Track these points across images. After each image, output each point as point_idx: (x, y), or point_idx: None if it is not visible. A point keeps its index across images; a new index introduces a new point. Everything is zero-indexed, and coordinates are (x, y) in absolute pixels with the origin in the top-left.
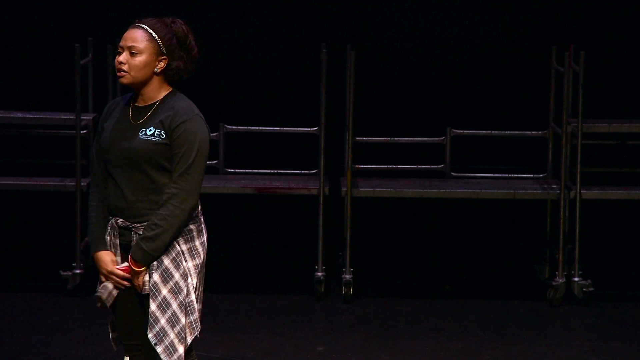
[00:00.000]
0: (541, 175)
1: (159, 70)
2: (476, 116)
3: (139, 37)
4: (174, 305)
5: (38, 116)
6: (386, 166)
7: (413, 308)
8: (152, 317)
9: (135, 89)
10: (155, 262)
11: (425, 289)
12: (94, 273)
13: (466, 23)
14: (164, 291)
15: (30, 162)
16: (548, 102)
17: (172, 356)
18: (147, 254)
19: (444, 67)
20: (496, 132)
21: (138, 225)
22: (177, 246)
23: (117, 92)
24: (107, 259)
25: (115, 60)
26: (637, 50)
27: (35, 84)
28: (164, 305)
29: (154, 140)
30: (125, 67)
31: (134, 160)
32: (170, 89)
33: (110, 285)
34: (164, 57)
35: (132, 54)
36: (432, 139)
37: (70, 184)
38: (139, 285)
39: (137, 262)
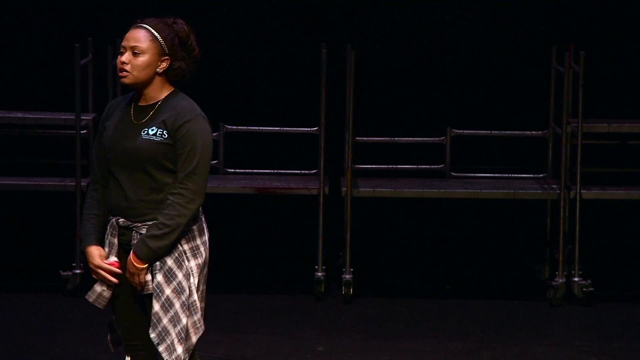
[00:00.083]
0: (541, 175)
1: (161, 70)
2: (476, 116)
3: (141, 37)
4: (177, 305)
5: (38, 116)
6: (386, 166)
7: (413, 308)
8: (155, 318)
9: (137, 89)
10: (158, 263)
11: (425, 289)
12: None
13: (466, 23)
14: (167, 291)
15: (30, 162)
16: (548, 102)
17: (172, 355)
18: (152, 252)
19: (444, 67)
20: (496, 132)
21: (139, 224)
22: (180, 246)
23: (117, 92)
24: (96, 253)
25: (118, 60)
26: (637, 50)
27: (35, 84)
28: (167, 305)
29: (156, 140)
30: (127, 67)
31: (136, 159)
32: (172, 89)
33: (98, 288)
34: (167, 57)
35: (135, 54)
36: (432, 139)
37: (70, 184)
38: (140, 282)
39: (140, 259)
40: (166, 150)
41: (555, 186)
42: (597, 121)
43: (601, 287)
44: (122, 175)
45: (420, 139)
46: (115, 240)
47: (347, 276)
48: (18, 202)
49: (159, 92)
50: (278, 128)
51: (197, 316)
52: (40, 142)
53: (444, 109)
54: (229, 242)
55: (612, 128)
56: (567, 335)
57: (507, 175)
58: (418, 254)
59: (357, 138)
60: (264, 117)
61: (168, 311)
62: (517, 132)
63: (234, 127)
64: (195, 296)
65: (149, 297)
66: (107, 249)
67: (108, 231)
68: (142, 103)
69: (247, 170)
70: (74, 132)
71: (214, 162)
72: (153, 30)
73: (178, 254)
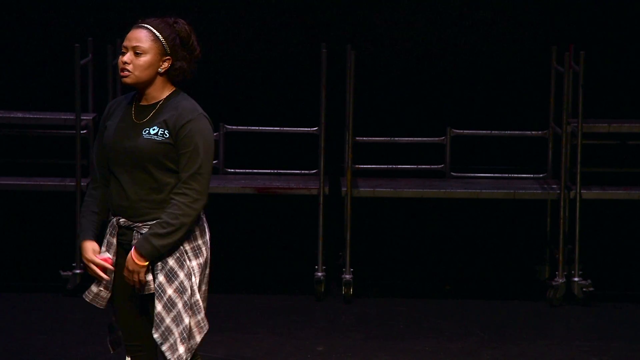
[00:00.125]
0: (541, 175)
1: (162, 70)
2: (476, 116)
3: (143, 37)
4: (179, 305)
5: (38, 116)
6: (386, 166)
7: (413, 308)
8: (158, 318)
9: (139, 88)
10: (159, 263)
11: (425, 289)
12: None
13: (466, 23)
14: (170, 291)
15: (30, 162)
16: (548, 102)
17: (174, 354)
18: (154, 250)
19: (444, 67)
20: (496, 132)
21: (140, 224)
22: (181, 246)
23: (117, 92)
24: (89, 247)
25: (119, 60)
26: (637, 50)
27: (35, 84)
28: (169, 305)
29: (158, 140)
30: (129, 67)
31: (137, 159)
32: (174, 89)
33: (95, 288)
34: (168, 57)
35: (137, 54)
36: (432, 139)
37: (70, 184)
38: (139, 281)
39: (141, 257)
40: (167, 150)
41: (555, 186)
42: (597, 121)
43: (601, 287)
44: (123, 175)
45: (420, 139)
46: (114, 240)
47: (347, 276)
48: (18, 202)
49: (161, 91)
50: (278, 128)
51: (201, 315)
52: (40, 142)
53: (444, 109)
54: (229, 242)
55: (612, 128)
56: (567, 335)
57: (507, 175)
58: (418, 254)
59: (357, 138)
60: (264, 117)
61: (171, 311)
62: (517, 132)
63: (234, 127)
64: (197, 296)
65: (149, 297)
66: (104, 249)
67: (107, 231)
68: (143, 103)
69: (247, 170)
70: (74, 132)
71: (214, 162)
72: (155, 30)
73: (179, 254)
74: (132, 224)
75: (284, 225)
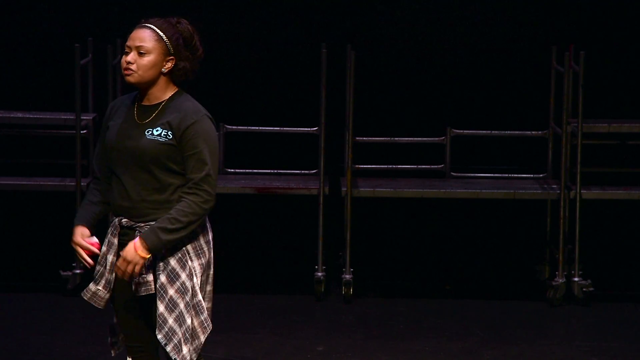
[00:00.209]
0: (541, 175)
1: (166, 70)
2: (476, 116)
3: (147, 37)
4: (181, 305)
5: (38, 116)
6: (386, 166)
7: (413, 308)
8: (160, 318)
9: (142, 88)
10: (161, 263)
11: (425, 289)
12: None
13: (466, 23)
14: (171, 291)
15: (30, 162)
16: (548, 102)
17: (179, 354)
18: (160, 244)
19: (444, 67)
20: (496, 132)
21: (142, 224)
22: (183, 246)
23: (117, 92)
24: (78, 231)
25: (122, 60)
26: (637, 50)
27: (35, 84)
28: (171, 305)
29: (161, 141)
30: (133, 67)
31: (140, 159)
32: (176, 89)
33: (93, 286)
34: (172, 57)
35: (141, 54)
36: (432, 139)
37: (70, 184)
38: (134, 274)
39: (145, 248)
40: (170, 151)
41: (555, 186)
42: (597, 121)
43: (601, 287)
44: (125, 175)
45: (420, 139)
46: (115, 240)
47: (347, 276)
48: (18, 202)
49: (164, 92)
50: (278, 128)
51: (204, 316)
52: (40, 142)
53: (444, 109)
54: (229, 242)
55: (612, 128)
56: (567, 335)
57: (507, 175)
58: (418, 254)
59: (357, 138)
60: (264, 117)
61: (173, 311)
62: (517, 132)
63: (234, 127)
64: (199, 296)
65: (150, 298)
66: (105, 248)
67: (109, 231)
68: (145, 103)
69: (247, 170)
70: (74, 132)
71: None
72: (158, 30)
73: (181, 254)
74: (133, 224)
75: (284, 225)
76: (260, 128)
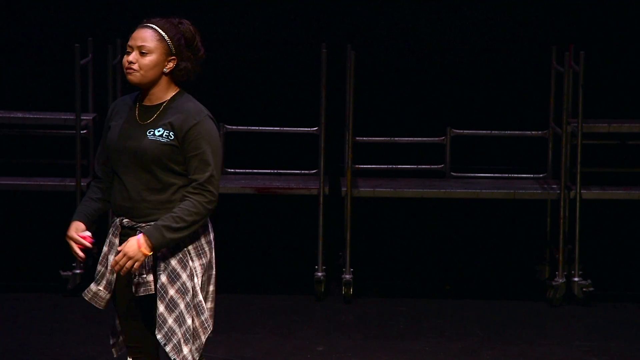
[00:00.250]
0: (541, 175)
1: (167, 70)
2: (476, 116)
3: (148, 36)
4: (181, 306)
5: (38, 116)
6: (386, 166)
7: (413, 308)
8: (160, 319)
9: (143, 88)
10: (162, 263)
11: (425, 289)
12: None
13: (466, 23)
14: (172, 292)
15: (30, 162)
16: (548, 102)
17: (179, 354)
18: (164, 242)
19: (444, 67)
20: (496, 132)
21: (143, 224)
22: (184, 246)
23: (117, 92)
24: (73, 226)
25: (124, 60)
26: (637, 50)
27: (35, 84)
28: (171, 306)
29: (162, 141)
30: (135, 67)
31: (141, 160)
32: (178, 90)
33: (94, 287)
34: (173, 57)
35: (142, 54)
36: (432, 139)
37: (70, 184)
38: (133, 270)
39: (149, 246)
40: (172, 151)
41: (555, 186)
42: (597, 121)
43: (601, 287)
44: (126, 176)
45: (420, 139)
46: (117, 241)
47: (347, 276)
48: (18, 202)
49: (165, 92)
50: (278, 128)
51: (204, 316)
52: (40, 142)
53: (444, 109)
54: (229, 242)
55: (612, 128)
56: (567, 335)
57: (507, 175)
58: (418, 254)
59: (357, 138)
60: (264, 117)
61: (173, 311)
62: (517, 132)
63: (234, 127)
64: (200, 296)
65: (150, 298)
66: (106, 249)
67: (110, 231)
68: (147, 103)
69: (247, 170)
70: (74, 132)
71: None
72: (160, 30)
73: (182, 254)
74: (135, 224)
75: (284, 225)
76: (260, 128)
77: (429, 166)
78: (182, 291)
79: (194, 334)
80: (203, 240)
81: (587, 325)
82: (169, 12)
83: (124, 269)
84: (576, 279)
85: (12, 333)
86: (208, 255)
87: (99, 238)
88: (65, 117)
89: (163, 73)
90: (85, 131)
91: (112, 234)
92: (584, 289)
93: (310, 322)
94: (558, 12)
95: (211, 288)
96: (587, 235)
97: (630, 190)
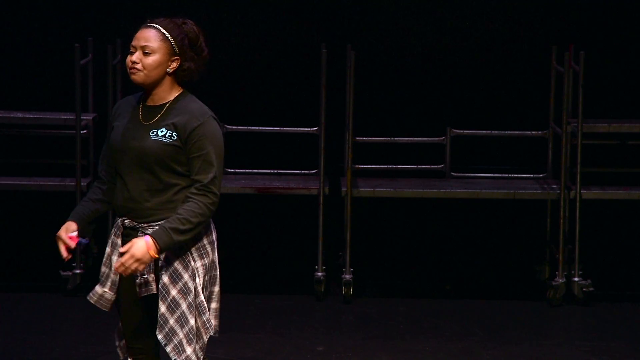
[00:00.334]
0: (541, 175)
1: (171, 70)
2: (476, 116)
3: (152, 36)
4: (183, 306)
5: (38, 116)
6: (386, 166)
7: (413, 308)
8: (161, 319)
9: (147, 88)
10: (164, 264)
11: (425, 289)
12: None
13: (466, 23)
14: (173, 292)
15: (30, 162)
16: (548, 102)
17: (180, 355)
18: (172, 244)
19: (444, 67)
20: (496, 132)
21: (145, 225)
22: (186, 246)
23: (117, 92)
24: (64, 226)
25: (127, 60)
26: (637, 50)
27: (35, 84)
28: (173, 306)
29: (165, 142)
30: (138, 67)
31: (144, 160)
32: (181, 90)
33: (99, 289)
34: (177, 57)
35: (146, 54)
36: (432, 139)
37: (70, 184)
38: (136, 271)
39: (157, 249)
40: (174, 152)
41: (555, 186)
42: (597, 121)
43: (601, 287)
44: (129, 176)
45: (420, 139)
46: (119, 241)
47: (347, 276)
48: (18, 202)
49: (168, 92)
50: (278, 128)
51: (206, 316)
52: (40, 142)
53: (444, 109)
54: (229, 242)
55: (612, 128)
56: (567, 335)
57: (507, 175)
58: (418, 254)
59: (357, 138)
60: (264, 117)
61: (174, 312)
62: (517, 132)
63: (234, 127)
64: (202, 296)
65: (153, 299)
66: (109, 249)
67: (112, 231)
68: (150, 103)
69: (247, 170)
70: (74, 132)
71: None
72: (164, 30)
73: (184, 255)
74: (136, 225)
75: (284, 225)
76: (260, 128)
77: (429, 166)
78: (184, 291)
79: (197, 334)
80: (205, 241)
81: (587, 325)
82: (169, 12)
83: (129, 270)
84: (576, 279)
85: (12, 333)
86: (210, 256)
87: (98, 238)
88: (65, 117)
89: (166, 73)
90: (85, 131)
91: (115, 234)
92: (584, 289)
93: (310, 322)
94: (558, 12)
95: (216, 289)
96: (587, 235)
97: (630, 190)
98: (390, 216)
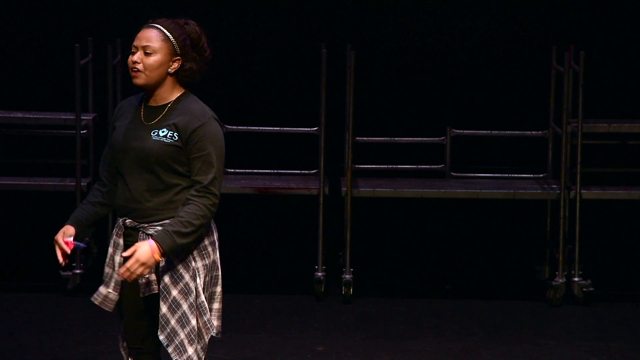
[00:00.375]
0: (541, 175)
1: (172, 70)
2: (476, 116)
3: (153, 36)
4: (184, 306)
5: (38, 116)
6: (386, 166)
7: (413, 308)
8: (163, 319)
9: (148, 89)
10: (165, 264)
11: (425, 289)
12: (94, 273)
13: (466, 23)
14: (174, 292)
15: (30, 162)
16: (548, 102)
17: (182, 356)
18: (175, 248)
19: (444, 67)
20: (496, 132)
21: (146, 225)
22: (187, 247)
23: (117, 92)
24: (62, 230)
25: (129, 60)
26: (637, 50)
27: (35, 84)
28: (174, 307)
29: (166, 142)
30: (139, 67)
31: (145, 160)
32: (183, 91)
33: (104, 290)
34: (178, 57)
35: (147, 54)
36: (432, 139)
37: (70, 184)
38: (139, 274)
39: (162, 252)
40: (175, 152)
41: (555, 186)
42: (597, 121)
43: (601, 287)
44: (130, 176)
45: (420, 139)
46: (121, 241)
47: (347, 276)
48: (18, 202)
49: (170, 93)
50: (278, 128)
51: (207, 316)
52: (40, 142)
53: (444, 109)
54: (229, 242)
55: (612, 128)
56: (567, 335)
57: (507, 175)
58: (418, 254)
59: (357, 138)
60: (264, 117)
61: (175, 312)
62: (517, 132)
63: (234, 127)
64: (202, 297)
65: (155, 299)
66: (112, 250)
67: (114, 231)
68: (152, 104)
69: (247, 170)
70: (74, 132)
71: None
72: (165, 30)
73: (185, 255)
74: (137, 225)
75: (284, 225)
76: (260, 128)
77: (429, 166)
78: (185, 292)
79: (198, 334)
80: (206, 241)
81: (587, 325)
82: (169, 12)
83: (134, 275)
84: (576, 279)
85: (12, 333)
86: (211, 256)
87: (98, 238)
88: (65, 117)
89: (168, 73)
90: (85, 131)
91: (116, 235)
92: (584, 289)
93: (310, 322)
94: (558, 12)
95: (218, 289)
96: (587, 235)
97: (630, 190)
98: (390, 216)
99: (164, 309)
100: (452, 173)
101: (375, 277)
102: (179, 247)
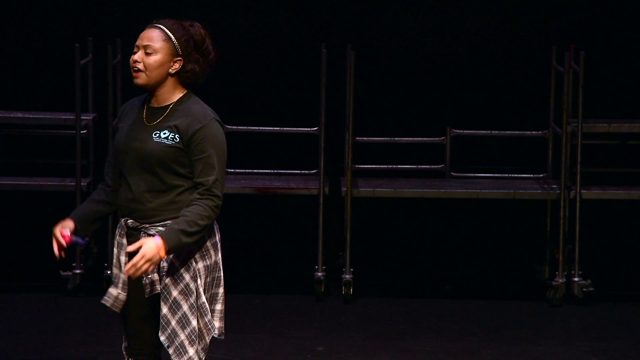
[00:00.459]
0: (541, 175)
1: (173, 71)
2: (476, 116)
3: (155, 36)
4: (185, 307)
5: (38, 116)
6: (386, 166)
7: (413, 308)
8: (163, 320)
9: (150, 90)
10: (166, 264)
11: (425, 289)
12: (94, 273)
13: (466, 23)
14: (175, 293)
15: (30, 162)
16: (548, 102)
17: (182, 357)
18: (180, 246)
19: (444, 67)
20: (496, 132)
21: (148, 225)
22: (188, 247)
23: (117, 92)
24: (62, 223)
25: (130, 59)
26: (637, 50)
27: (35, 84)
28: (174, 307)
29: (167, 143)
30: (140, 66)
31: (146, 161)
32: (185, 92)
33: (114, 291)
34: (179, 58)
35: (147, 54)
36: (432, 139)
37: (70, 184)
38: (145, 270)
39: (167, 249)
40: (177, 153)
41: (555, 186)
42: (597, 121)
43: (601, 287)
44: (132, 177)
45: (420, 139)
46: (124, 241)
47: (347, 276)
48: (18, 202)
49: (172, 94)
50: (278, 128)
51: (208, 317)
52: (40, 142)
53: (444, 109)
54: (229, 243)
55: (612, 128)
56: (567, 335)
57: (507, 175)
58: (418, 254)
59: (357, 138)
60: (264, 117)
61: (176, 313)
62: (517, 132)
63: (234, 127)
64: (203, 298)
65: (156, 299)
66: (116, 250)
67: (117, 232)
68: (154, 105)
69: (247, 170)
70: (74, 132)
71: None
72: (167, 31)
73: (186, 256)
74: (139, 225)
75: (284, 225)
76: (260, 128)
77: (429, 166)
78: (186, 292)
79: (199, 335)
80: (208, 242)
81: (587, 325)
82: (169, 12)
83: (140, 271)
84: (576, 279)
85: (12, 333)
86: (213, 257)
87: (98, 238)
88: (65, 117)
89: (169, 74)
90: (85, 131)
91: (119, 235)
92: (584, 289)
93: (310, 322)
94: (558, 12)
95: (220, 290)
96: (587, 235)
97: (630, 190)
98: (390, 216)
99: (164, 309)
100: (452, 173)
101: (375, 277)
102: (183, 245)
